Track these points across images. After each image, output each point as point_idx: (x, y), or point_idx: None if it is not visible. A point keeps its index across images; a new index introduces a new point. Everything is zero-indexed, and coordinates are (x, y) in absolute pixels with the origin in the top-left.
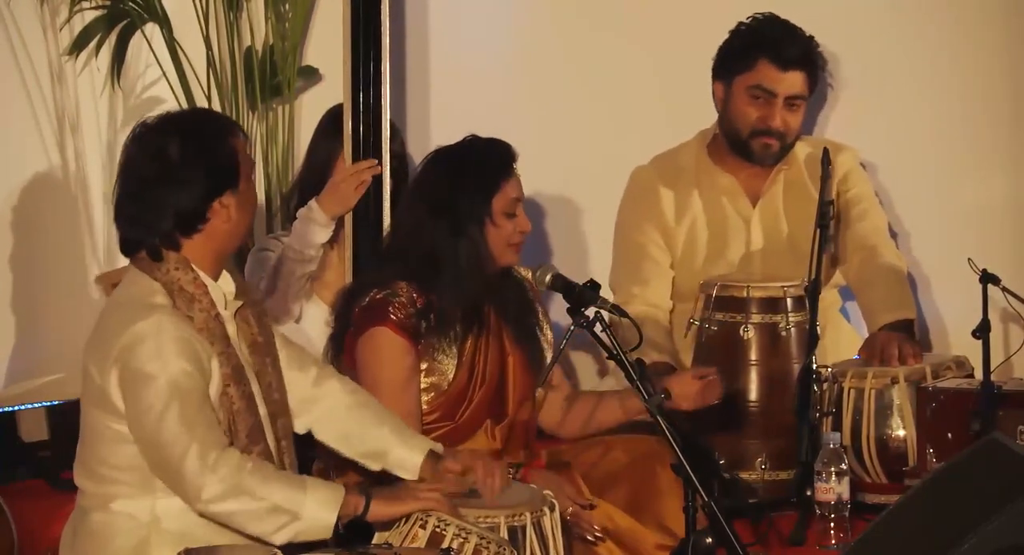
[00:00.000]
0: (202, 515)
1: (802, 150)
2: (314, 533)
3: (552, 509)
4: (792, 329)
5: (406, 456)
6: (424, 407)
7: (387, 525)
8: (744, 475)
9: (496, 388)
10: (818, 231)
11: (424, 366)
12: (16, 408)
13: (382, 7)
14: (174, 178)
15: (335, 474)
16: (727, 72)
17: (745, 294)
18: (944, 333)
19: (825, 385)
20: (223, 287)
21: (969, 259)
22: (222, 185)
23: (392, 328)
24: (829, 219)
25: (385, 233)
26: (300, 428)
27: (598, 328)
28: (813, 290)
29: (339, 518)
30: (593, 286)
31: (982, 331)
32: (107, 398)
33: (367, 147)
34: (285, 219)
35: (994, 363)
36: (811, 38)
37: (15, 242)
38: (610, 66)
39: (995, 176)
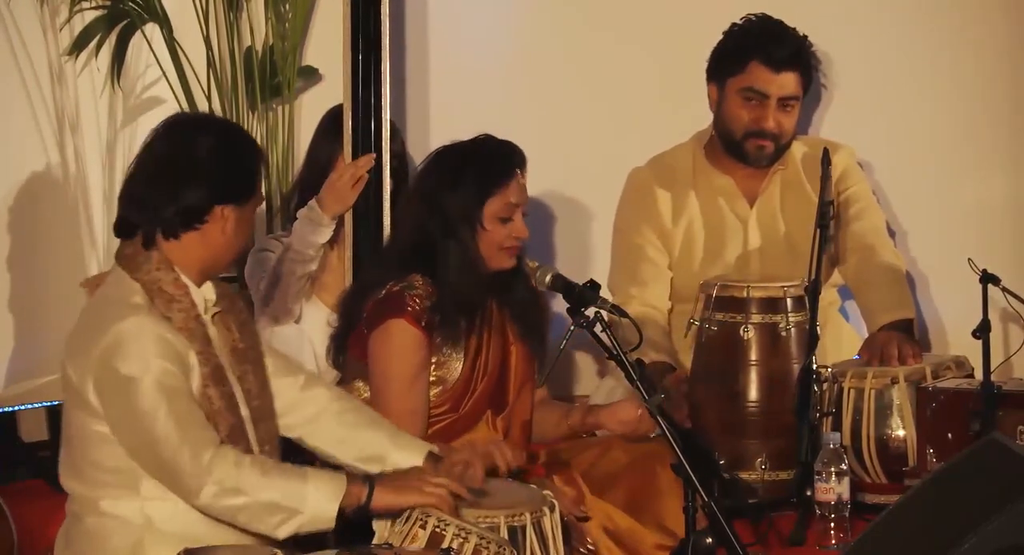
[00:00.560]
0: (202, 512)
1: (798, 150)
2: (318, 524)
3: (552, 509)
4: (792, 329)
5: (405, 459)
6: (433, 399)
7: (391, 514)
8: (744, 475)
9: (498, 380)
10: (818, 231)
11: (434, 359)
12: (16, 408)
13: (382, 7)
14: (194, 170)
15: None
16: (720, 74)
17: (745, 294)
18: (944, 333)
19: (825, 385)
20: (204, 292)
21: (969, 259)
22: (230, 195)
23: (409, 320)
24: (829, 219)
25: (386, 231)
26: (289, 432)
27: (598, 328)
28: (813, 290)
29: (342, 508)
30: (593, 286)
31: (982, 331)
32: (86, 400)
33: (367, 147)
34: (285, 219)
35: (994, 363)
36: (804, 38)
37: (15, 242)
38: (610, 66)
39: (995, 176)
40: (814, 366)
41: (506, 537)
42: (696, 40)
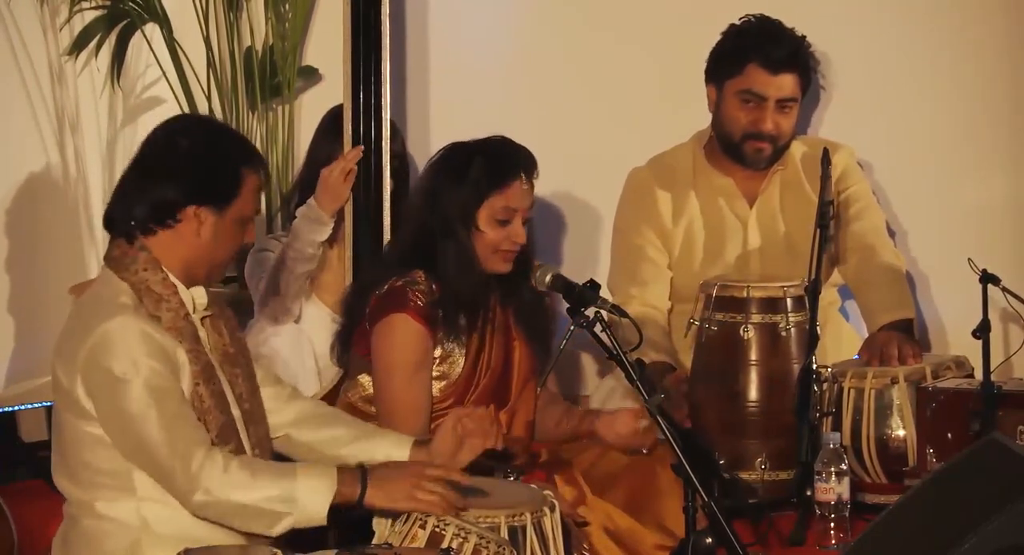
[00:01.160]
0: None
1: (798, 149)
2: (310, 523)
3: (552, 509)
4: (792, 329)
5: (393, 451)
6: (437, 393)
7: (385, 512)
8: (744, 475)
9: (501, 376)
10: (818, 231)
11: (437, 354)
12: (16, 408)
13: (382, 7)
14: (169, 167)
15: None
16: (718, 76)
17: (745, 294)
18: (944, 333)
19: (825, 385)
20: (193, 293)
21: (969, 259)
22: (205, 196)
23: (412, 315)
24: (829, 219)
25: (386, 231)
26: (275, 432)
27: (598, 328)
28: (813, 290)
29: (334, 506)
30: (593, 286)
31: (982, 331)
32: (76, 401)
33: (367, 147)
34: (285, 219)
35: (994, 363)
36: (802, 38)
37: (15, 242)
38: (610, 66)
39: (995, 176)
40: (814, 366)
41: (506, 537)
42: (696, 40)
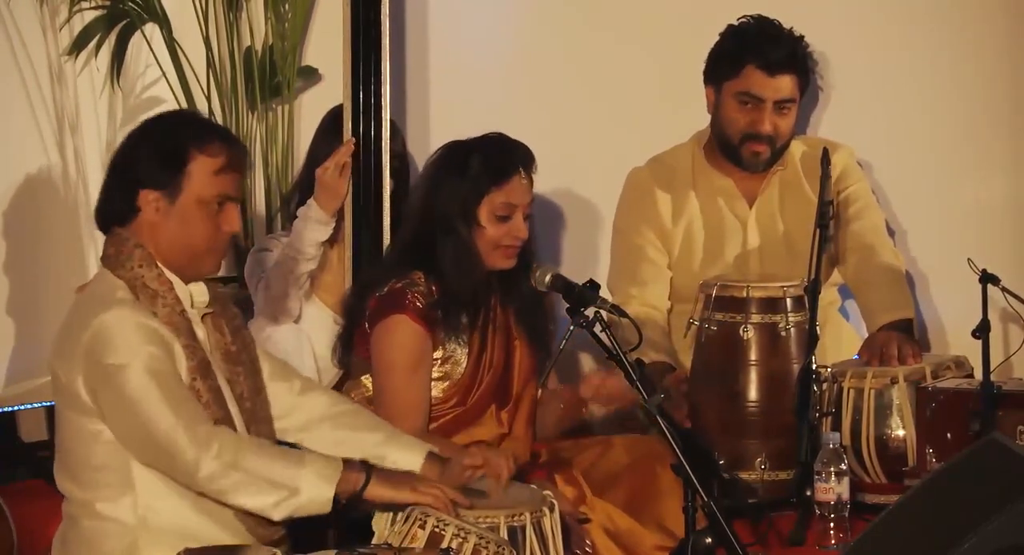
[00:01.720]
0: (200, 493)
1: (797, 149)
2: (313, 508)
3: (552, 509)
4: (792, 329)
5: (405, 459)
6: (440, 394)
7: (387, 506)
8: (744, 475)
9: (502, 375)
10: (817, 231)
11: (438, 355)
12: (16, 408)
13: (382, 7)
14: (123, 157)
15: None
16: (716, 78)
17: (745, 294)
18: (944, 333)
19: (825, 385)
20: (192, 290)
21: (969, 259)
22: (149, 180)
23: (411, 316)
24: (828, 219)
25: (386, 231)
26: (286, 436)
27: (598, 328)
28: (813, 290)
29: (338, 493)
30: (593, 286)
31: (982, 331)
32: (76, 397)
33: (367, 147)
34: (285, 219)
35: (994, 363)
36: (800, 39)
37: (15, 242)
38: (610, 66)
39: (995, 176)
40: (814, 366)
41: (506, 537)
42: (696, 40)
